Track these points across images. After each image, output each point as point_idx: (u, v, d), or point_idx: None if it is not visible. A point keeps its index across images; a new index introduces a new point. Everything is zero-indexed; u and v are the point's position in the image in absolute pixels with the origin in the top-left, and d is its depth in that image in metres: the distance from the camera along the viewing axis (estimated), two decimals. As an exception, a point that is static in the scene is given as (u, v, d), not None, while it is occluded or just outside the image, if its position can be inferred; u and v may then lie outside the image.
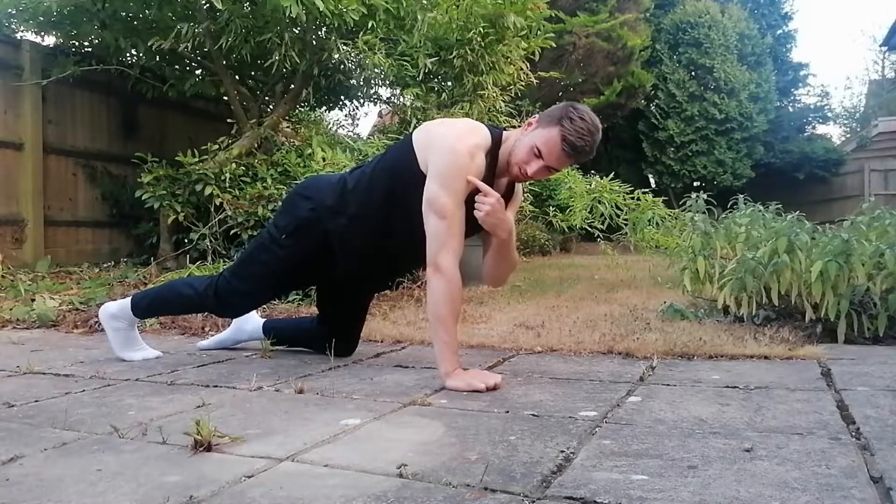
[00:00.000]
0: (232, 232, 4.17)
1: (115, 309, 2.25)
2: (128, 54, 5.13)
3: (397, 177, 1.91)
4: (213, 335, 2.59)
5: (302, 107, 5.83)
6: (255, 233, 4.09)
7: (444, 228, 1.77)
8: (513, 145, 1.86)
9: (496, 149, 1.87)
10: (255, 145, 4.66)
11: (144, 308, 2.27)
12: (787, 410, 1.50)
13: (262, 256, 2.10)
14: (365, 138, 6.11)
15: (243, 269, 2.14)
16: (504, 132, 1.92)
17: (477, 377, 1.75)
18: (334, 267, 2.12)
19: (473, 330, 2.73)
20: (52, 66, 4.84)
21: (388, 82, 5.43)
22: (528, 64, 5.58)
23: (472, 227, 1.91)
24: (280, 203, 4.08)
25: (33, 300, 3.49)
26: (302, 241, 2.03)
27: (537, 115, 1.86)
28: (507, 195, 1.94)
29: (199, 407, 1.60)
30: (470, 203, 1.83)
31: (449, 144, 1.81)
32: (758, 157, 13.49)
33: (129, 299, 2.26)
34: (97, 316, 3.10)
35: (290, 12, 3.71)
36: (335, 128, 6.78)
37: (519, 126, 2.00)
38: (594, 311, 3.18)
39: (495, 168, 1.89)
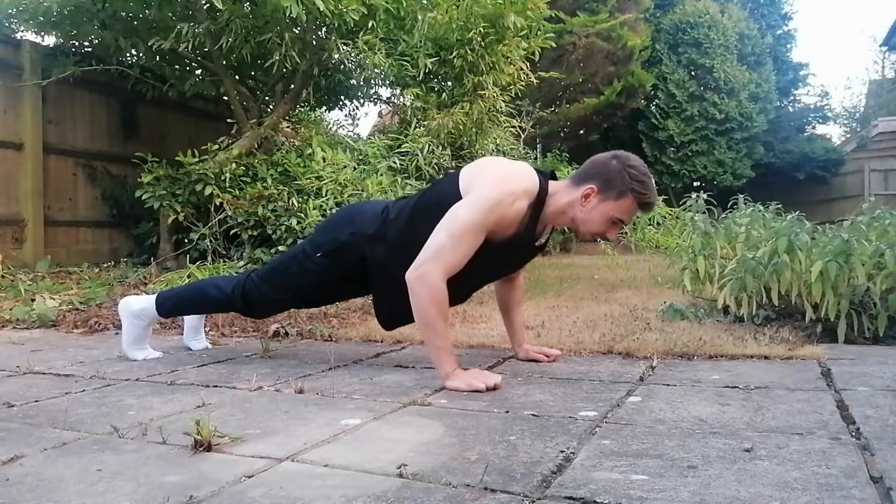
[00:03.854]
0: (232, 232, 4.18)
1: (138, 307, 2.25)
2: (128, 54, 5.14)
3: (441, 208, 1.84)
4: (208, 342, 2.57)
5: (302, 107, 5.84)
6: (255, 233, 4.10)
7: (448, 245, 1.74)
8: (577, 214, 1.85)
9: (542, 200, 1.86)
10: (255, 145, 4.66)
11: (170, 308, 2.27)
12: (787, 410, 1.50)
13: (294, 268, 2.10)
14: (365, 138, 6.11)
15: (273, 277, 2.15)
16: (552, 183, 1.89)
17: (477, 377, 1.75)
18: (365, 290, 2.14)
19: (473, 330, 2.73)
20: (52, 66, 4.84)
21: (388, 82, 5.44)
22: (528, 64, 5.58)
23: (496, 272, 1.96)
24: (277, 202, 4.09)
25: (33, 300, 3.49)
26: (336, 262, 2.01)
27: (593, 186, 1.82)
28: (544, 244, 2.03)
29: (199, 407, 1.60)
30: (498, 247, 1.81)
31: (496, 180, 1.80)
32: (758, 157, 13.50)
33: (153, 298, 2.27)
34: (97, 316, 3.10)
35: (291, 12, 3.71)
36: (335, 128, 6.79)
37: (549, 172, 1.97)
38: (594, 311, 3.18)
39: (539, 217, 1.88)
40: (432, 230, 1.80)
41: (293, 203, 4.01)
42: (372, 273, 2.00)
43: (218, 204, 4.22)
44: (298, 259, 2.09)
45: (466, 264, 1.78)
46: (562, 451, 1.23)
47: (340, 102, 6.06)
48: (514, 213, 1.79)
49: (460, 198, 1.81)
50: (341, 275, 2.05)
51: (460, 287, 1.94)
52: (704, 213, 3.38)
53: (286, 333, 2.78)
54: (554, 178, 1.93)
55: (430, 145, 4.94)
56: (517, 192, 1.79)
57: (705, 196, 3.48)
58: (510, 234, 1.83)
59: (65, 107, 5.17)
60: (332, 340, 2.66)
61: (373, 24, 4.34)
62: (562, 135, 10.91)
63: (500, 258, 1.88)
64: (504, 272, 2.11)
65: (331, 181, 4.11)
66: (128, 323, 2.26)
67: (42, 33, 5.04)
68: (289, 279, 2.11)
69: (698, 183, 12.61)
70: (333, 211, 3.87)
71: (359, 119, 23.14)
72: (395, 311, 1.96)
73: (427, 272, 1.73)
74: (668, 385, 1.79)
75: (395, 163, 4.72)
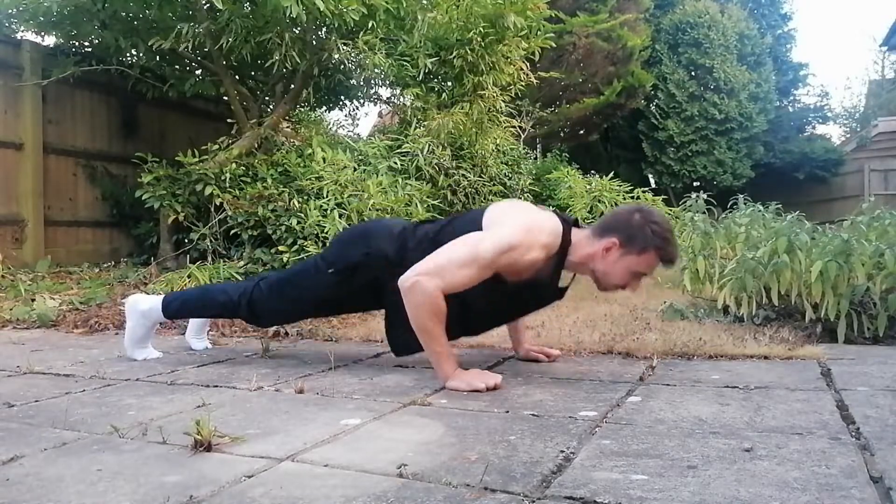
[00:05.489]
0: (232, 232, 4.17)
1: (145, 307, 2.25)
2: (128, 54, 5.14)
3: None
4: (209, 342, 2.58)
5: (302, 107, 5.84)
6: (255, 233, 4.10)
7: (451, 267, 1.72)
8: (598, 267, 1.86)
9: (564, 251, 1.86)
10: (256, 145, 4.66)
11: (175, 310, 2.27)
12: (787, 410, 1.50)
13: (304, 283, 2.10)
14: (365, 138, 6.11)
15: (282, 289, 2.14)
16: (574, 232, 1.89)
17: (477, 377, 1.75)
18: (374, 306, 2.14)
19: (473, 330, 2.72)
20: (52, 66, 4.84)
21: (388, 82, 5.44)
22: (528, 64, 5.58)
23: (519, 311, 1.98)
24: (277, 202, 4.09)
25: (33, 300, 3.49)
26: (348, 280, 2.00)
27: (616, 240, 1.82)
28: (566, 288, 2.02)
29: (199, 407, 1.60)
30: (523, 286, 1.81)
31: (522, 225, 1.79)
32: (758, 157, 13.49)
33: (160, 298, 2.27)
34: (97, 316, 3.10)
35: (291, 12, 3.71)
36: (335, 128, 6.79)
37: (573, 219, 1.97)
38: (594, 311, 3.18)
39: (560, 268, 1.89)
40: None
41: (293, 203, 4.01)
42: (388, 298, 1.94)
43: (218, 204, 4.22)
44: (310, 273, 2.09)
45: (483, 300, 1.79)
46: (562, 451, 1.23)
47: (340, 102, 6.05)
48: (528, 262, 1.79)
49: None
50: (352, 292, 2.04)
51: (476, 321, 1.97)
52: (704, 213, 3.39)
53: (286, 333, 2.78)
54: (577, 224, 1.93)
55: (430, 145, 4.94)
56: (535, 244, 1.78)
57: (705, 196, 3.49)
58: (527, 279, 1.83)
59: (65, 107, 5.17)
60: (332, 340, 2.66)
61: (373, 24, 4.34)
62: (562, 135, 10.90)
63: (518, 300, 1.90)
64: (523, 313, 2.12)
65: (331, 181, 4.11)
66: (133, 322, 2.26)
67: (42, 33, 5.03)
68: (299, 293, 2.11)
69: (698, 183, 12.61)
70: (334, 212, 3.87)
71: (359, 119, 23.18)
72: (411, 339, 1.88)
73: (422, 281, 1.72)
74: (668, 385, 1.79)
75: (395, 163, 4.71)
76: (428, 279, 1.72)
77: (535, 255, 1.79)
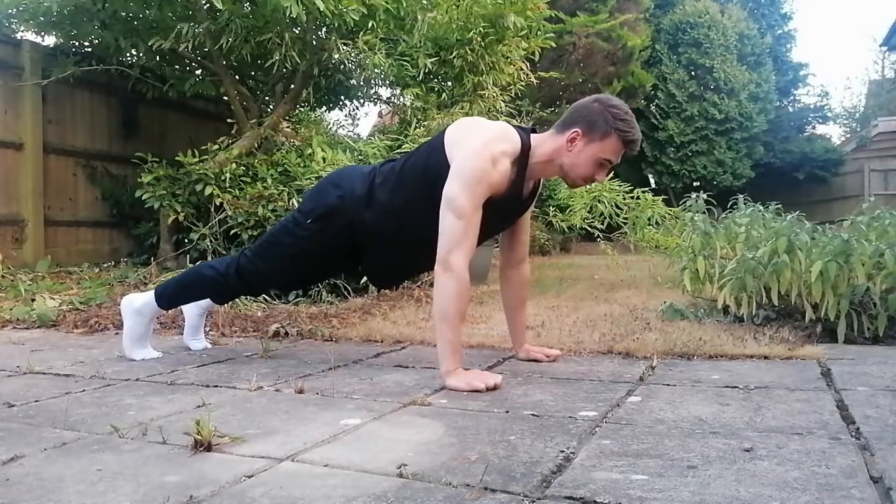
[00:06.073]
0: (232, 232, 4.18)
1: (139, 303, 2.25)
2: (128, 54, 5.14)
3: (428, 172, 1.90)
4: (208, 342, 2.57)
5: (302, 107, 5.83)
6: (255, 233, 4.10)
7: (459, 228, 1.77)
8: (564, 160, 1.88)
9: (525, 155, 1.88)
10: (256, 145, 4.66)
11: (168, 297, 2.27)
12: (787, 410, 1.50)
13: (285, 239, 2.11)
14: (365, 138, 6.11)
15: (265, 250, 2.15)
16: (534, 136, 1.92)
17: (477, 377, 1.75)
18: (357, 261, 2.15)
19: (473, 330, 2.73)
20: (52, 66, 4.84)
21: (388, 82, 5.44)
22: (528, 64, 5.59)
23: (487, 232, 1.93)
24: (277, 202, 4.09)
25: (33, 300, 3.49)
26: (326, 227, 2.03)
27: (578, 130, 1.85)
28: (531, 196, 2.04)
29: (199, 407, 1.60)
30: (487, 206, 1.82)
31: (475, 147, 1.81)
32: (758, 157, 13.50)
33: (152, 293, 2.27)
34: (97, 316, 3.10)
35: (291, 12, 3.71)
36: (335, 128, 6.79)
37: (530, 126, 2.00)
38: (594, 311, 3.18)
39: (524, 173, 1.91)
40: (419, 193, 1.89)
41: (293, 203, 4.01)
42: (361, 238, 2.03)
43: (218, 204, 4.22)
44: (289, 228, 2.11)
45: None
46: (562, 451, 1.23)
47: (340, 102, 6.05)
48: (500, 174, 1.82)
49: (446, 162, 1.84)
50: (332, 242, 2.06)
51: None
52: (704, 213, 3.39)
53: (286, 333, 2.78)
54: (534, 132, 1.96)
55: (430, 145, 4.92)
56: (497, 154, 1.81)
57: (705, 196, 3.48)
58: (500, 194, 1.85)
59: (65, 107, 5.17)
60: (332, 340, 2.66)
61: (373, 24, 4.34)
62: (562, 135, 10.90)
63: (491, 218, 1.89)
64: (495, 232, 2.14)
65: (331, 181, 4.11)
66: (130, 321, 2.26)
67: (42, 33, 5.04)
68: (281, 250, 2.12)
69: (698, 183, 12.62)
70: None
71: (359, 119, 23.18)
72: (384, 271, 2.02)
73: (454, 263, 1.76)
74: (667, 385, 1.79)
75: (395, 163, 4.70)
76: (457, 256, 1.77)
77: (502, 167, 1.83)
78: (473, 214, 1.79)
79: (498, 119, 5.77)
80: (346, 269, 2.39)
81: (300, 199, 3.70)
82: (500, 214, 1.94)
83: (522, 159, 1.88)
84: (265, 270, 2.15)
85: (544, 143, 1.91)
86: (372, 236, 2.01)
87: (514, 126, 1.93)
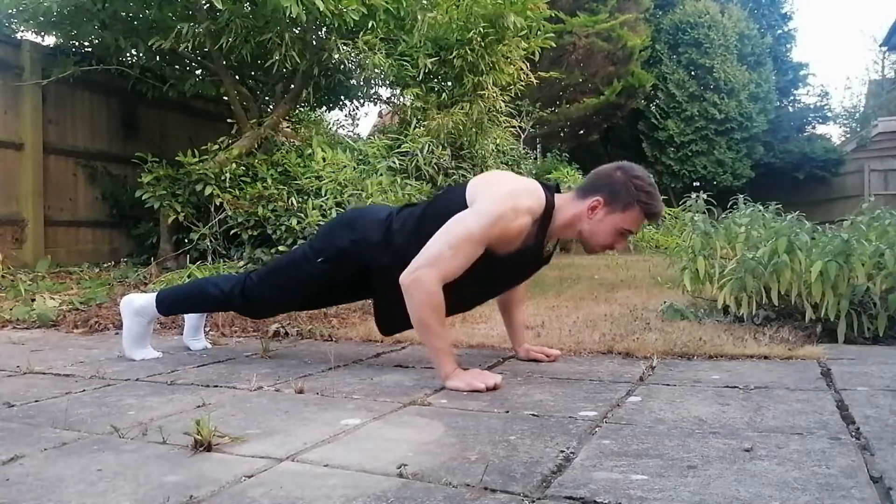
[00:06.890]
0: (232, 232, 4.18)
1: (139, 304, 2.25)
2: (128, 54, 5.14)
3: (446, 221, 1.81)
4: (208, 342, 2.57)
5: (302, 107, 5.84)
6: (255, 233, 4.10)
7: (446, 254, 1.73)
8: (584, 227, 1.87)
9: (548, 215, 1.86)
10: (256, 145, 4.66)
11: (168, 305, 2.27)
12: (787, 410, 1.50)
13: (293, 272, 2.10)
14: (365, 138, 6.11)
15: (273, 279, 2.15)
16: (557, 196, 1.90)
17: (477, 377, 1.75)
18: (367, 294, 2.14)
19: (473, 330, 2.73)
20: (52, 66, 4.84)
21: (388, 82, 5.44)
22: (528, 64, 5.59)
23: (504, 283, 1.97)
24: (277, 202, 4.09)
25: (33, 300, 3.49)
26: (337, 268, 2.01)
27: (600, 198, 1.83)
28: (551, 254, 2.05)
29: (199, 407, 1.60)
30: (505, 259, 1.81)
31: (503, 194, 1.79)
32: (758, 157, 13.49)
33: (153, 295, 2.27)
34: (97, 316, 3.10)
35: (291, 12, 3.71)
36: (335, 128, 6.79)
37: (554, 184, 1.99)
38: (594, 311, 3.18)
39: (546, 232, 1.89)
40: None
41: (293, 203, 4.01)
42: (375, 280, 1.99)
43: (218, 204, 4.22)
44: (299, 262, 2.09)
45: (471, 275, 1.77)
46: (562, 451, 1.23)
47: (340, 102, 6.06)
48: (517, 229, 1.79)
49: (466, 208, 1.80)
50: (342, 280, 2.05)
51: (465, 297, 1.96)
52: (704, 213, 3.39)
53: (286, 333, 2.78)
54: (558, 190, 1.94)
55: (429, 145, 4.94)
56: (521, 209, 1.78)
57: (705, 196, 3.48)
58: (515, 249, 1.83)
59: (65, 107, 5.17)
60: (332, 340, 2.66)
61: (373, 24, 4.34)
62: (562, 135, 10.91)
63: (506, 271, 1.89)
64: (511, 285, 2.11)
65: (330, 181, 4.11)
66: (129, 321, 2.26)
67: (42, 33, 5.04)
68: (289, 282, 2.11)
69: (698, 183, 12.60)
70: (333, 211, 3.87)
71: (359, 119, 23.17)
72: (395, 317, 1.94)
73: (422, 277, 1.73)
74: (668, 385, 1.79)
75: (394, 163, 4.72)
76: (427, 272, 1.72)
77: (522, 222, 1.79)
78: (465, 246, 1.73)
79: (498, 119, 5.78)
80: (355, 299, 2.36)
81: (314, 231, 3.69)
82: (516, 269, 1.95)
83: (545, 220, 1.86)
84: (270, 297, 2.14)
85: (566, 206, 1.88)
86: (386, 280, 1.91)
87: (540, 183, 1.90)
